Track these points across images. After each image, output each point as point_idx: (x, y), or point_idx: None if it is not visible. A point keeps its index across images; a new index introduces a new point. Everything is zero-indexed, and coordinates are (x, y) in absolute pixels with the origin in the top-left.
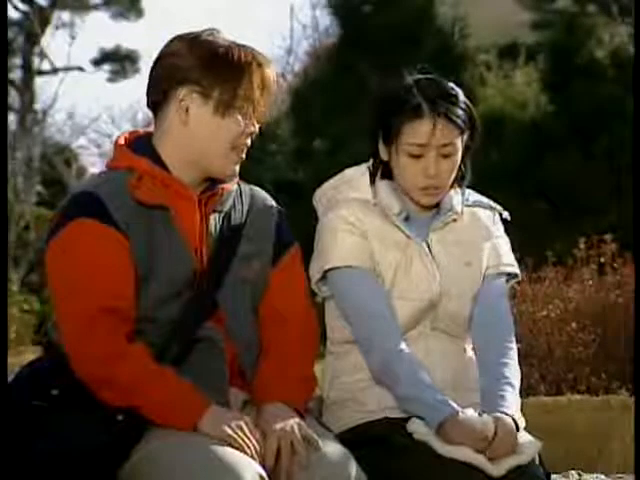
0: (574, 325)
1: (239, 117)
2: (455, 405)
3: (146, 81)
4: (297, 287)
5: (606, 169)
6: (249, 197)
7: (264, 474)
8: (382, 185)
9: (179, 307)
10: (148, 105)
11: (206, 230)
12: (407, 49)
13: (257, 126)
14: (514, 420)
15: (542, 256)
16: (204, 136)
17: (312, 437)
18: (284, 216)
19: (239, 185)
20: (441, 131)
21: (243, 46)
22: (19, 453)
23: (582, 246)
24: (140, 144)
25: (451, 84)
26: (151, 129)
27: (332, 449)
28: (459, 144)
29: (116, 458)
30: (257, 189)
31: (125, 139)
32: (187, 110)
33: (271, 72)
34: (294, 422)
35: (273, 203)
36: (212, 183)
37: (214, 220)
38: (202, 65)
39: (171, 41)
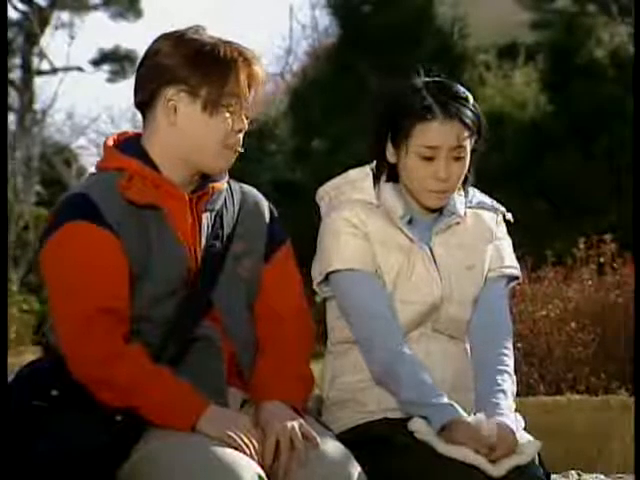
0: (573, 325)
1: (227, 115)
2: (459, 407)
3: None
4: (290, 284)
5: (606, 169)
6: (239, 195)
7: (263, 474)
8: (386, 187)
9: (174, 306)
10: (136, 105)
11: (199, 229)
12: (407, 49)
13: (246, 122)
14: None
15: (542, 256)
16: (194, 135)
17: (311, 434)
18: (275, 214)
19: (229, 184)
20: (453, 133)
21: (229, 42)
22: (19, 453)
23: (582, 246)
24: (129, 145)
25: (460, 86)
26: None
27: (332, 448)
28: (468, 147)
29: (115, 458)
30: (247, 187)
31: (114, 140)
32: (175, 110)
33: (259, 67)
34: (293, 420)
35: (264, 201)
36: (202, 182)
37: (206, 219)
38: (188, 64)
39: (156, 40)
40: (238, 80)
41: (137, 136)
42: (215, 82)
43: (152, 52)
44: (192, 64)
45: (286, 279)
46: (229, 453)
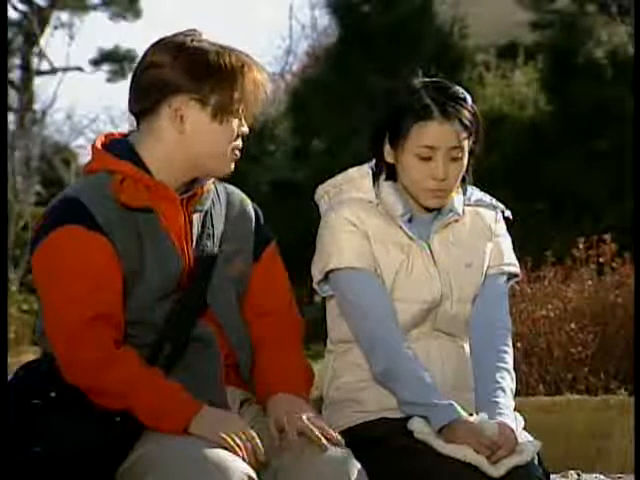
0: (573, 325)
1: (235, 120)
2: (459, 407)
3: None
4: (278, 280)
5: (606, 169)
6: (225, 196)
7: (254, 475)
8: (385, 186)
9: (169, 308)
10: (132, 111)
11: (190, 230)
12: (406, 49)
13: (247, 126)
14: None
15: (541, 256)
16: (204, 142)
17: (327, 430)
18: (260, 213)
19: (214, 185)
20: (451, 134)
21: (232, 50)
22: (17, 453)
23: (581, 246)
24: (119, 147)
25: (458, 87)
26: (124, 131)
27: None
28: (466, 147)
29: (114, 458)
30: (232, 188)
31: (102, 142)
32: (182, 118)
33: (262, 73)
34: (309, 412)
35: (248, 201)
36: (191, 184)
37: (196, 220)
38: (196, 74)
39: (155, 49)
40: (244, 87)
41: (123, 137)
42: (225, 90)
43: (152, 62)
44: (200, 74)
45: (274, 276)
46: (219, 454)
